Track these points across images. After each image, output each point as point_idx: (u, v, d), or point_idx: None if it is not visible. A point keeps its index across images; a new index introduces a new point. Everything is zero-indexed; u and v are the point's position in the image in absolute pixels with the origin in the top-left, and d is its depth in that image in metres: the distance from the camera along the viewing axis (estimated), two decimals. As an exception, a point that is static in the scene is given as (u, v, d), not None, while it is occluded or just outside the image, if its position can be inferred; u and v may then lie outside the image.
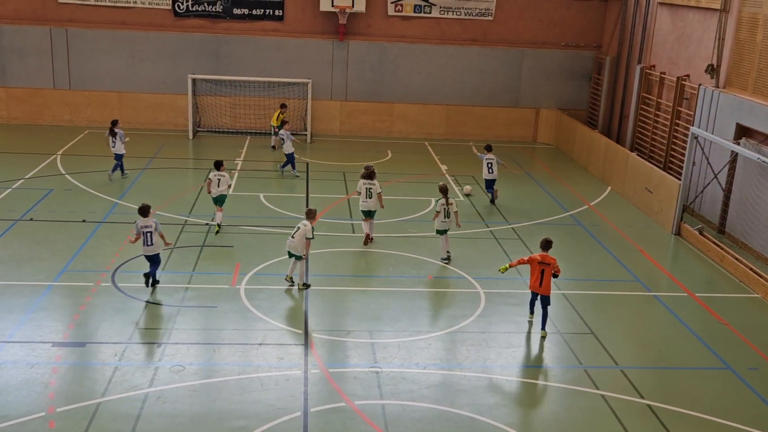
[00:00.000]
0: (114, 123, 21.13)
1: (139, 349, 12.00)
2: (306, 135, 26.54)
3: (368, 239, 16.99)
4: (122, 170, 21.14)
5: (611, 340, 13.12)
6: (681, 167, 19.74)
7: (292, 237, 14.21)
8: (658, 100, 23.01)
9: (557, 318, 13.81)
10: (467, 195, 20.80)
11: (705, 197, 19.59)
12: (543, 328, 13.11)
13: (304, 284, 14.52)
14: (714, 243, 17.54)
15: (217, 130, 27.17)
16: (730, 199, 18.68)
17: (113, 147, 20.78)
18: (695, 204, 19.79)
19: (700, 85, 20.12)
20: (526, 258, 13.36)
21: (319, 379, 11.39)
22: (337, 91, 27.58)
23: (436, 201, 16.24)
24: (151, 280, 14.11)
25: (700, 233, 18.10)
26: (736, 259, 16.59)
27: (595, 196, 21.89)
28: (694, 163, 19.19)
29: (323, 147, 25.87)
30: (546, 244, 13.21)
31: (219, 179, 17.23)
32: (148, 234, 13.98)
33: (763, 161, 15.85)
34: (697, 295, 15.31)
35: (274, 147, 25.17)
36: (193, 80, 26.29)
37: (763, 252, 17.15)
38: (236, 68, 26.87)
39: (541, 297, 13.13)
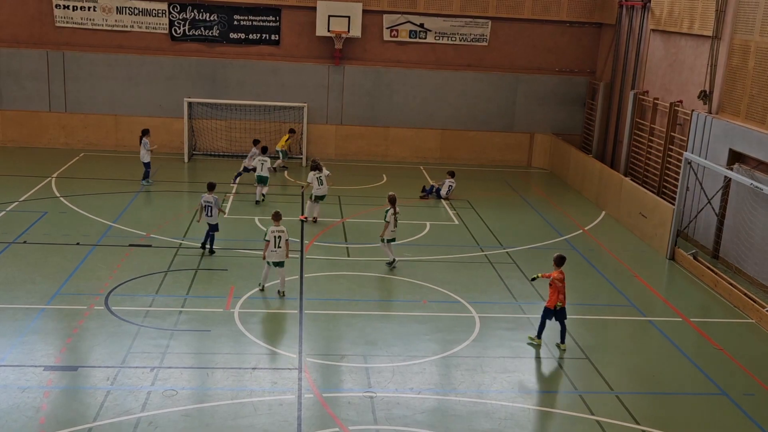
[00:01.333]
0: (143, 132, 23.02)
1: (131, 373, 11.91)
2: (302, 159, 26.59)
3: (315, 221, 19.86)
4: (145, 176, 22.79)
5: (606, 365, 13.08)
6: (675, 192, 19.83)
7: (279, 246, 14.86)
8: (652, 125, 23.16)
9: (551, 343, 13.77)
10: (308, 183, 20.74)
11: (699, 222, 19.65)
12: (564, 341, 13.54)
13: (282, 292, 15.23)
14: (708, 268, 17.57)
15: (212, 153, 27.21)
16: (723, 224, 18.74)
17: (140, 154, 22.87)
18: (689, 229, 19.84)
19: (693, 110, 20.27)
20: (561, 285, 13.35)
21: (313, 403, 11.31)
22: (333, 115, 27.70)
23: (386, 211, 16.84)
24: (209, 246, 17.22)
25: (695, 258, 18.13)
26: (731, 284, 16.61)
27: (590, 220, 21.94)
28: (687, 188, 19.27)
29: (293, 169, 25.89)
30: (562, 260, 13.59)
31: (262, 163, 21.39)
32: (209, 207, 17.04)
33: (756, 186, 15.93)
34: (691, 320, 15.30)
35: (275, 169, 25.32)
36: (190, 104, 26.38)
37: (757, 277, 17.17)
38: (232, 92, 26.98)
39: (561, 311, 13.37)
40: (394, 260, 17.02)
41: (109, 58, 26.52)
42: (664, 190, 21.89)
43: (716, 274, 17.22)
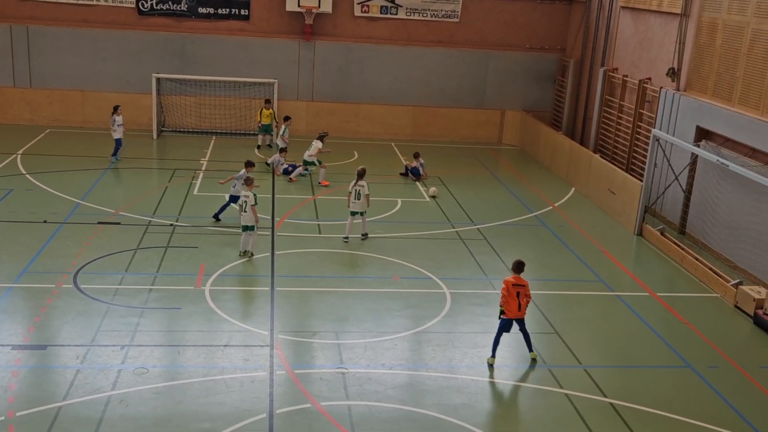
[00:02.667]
0: (114, 108, 22.56)
1: (101, 351, 11.83)
2: (272, 135, 26.38)
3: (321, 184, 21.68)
4: (114, 153, 22.43)
5: (575, 339, 13.27)
6: (643, 169, 20.05)
7: (245, 211, 15.72)
8: (621, 102, 23.34)
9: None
10: (433, 197, 20.95)
11: (666, 198, 19.91)
12: (532, 350, 12.38)
13: (246, 252, 15.91)
14: (675, 243, 17.84)
15: (182, 129, 26.92)
16: (690, 200, 19.01)
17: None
18: (657, 205, 20.10)
19: (661, 88, 20.45)
20: (503, 288, 12.06)
21: (285, 380, 11.34)
22: (304, 91, 27.51)
23: (351, 183, 17.43)
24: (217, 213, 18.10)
25: (662, 234, 18.39)
26: (696, 259, 16.89)
27: (560, 197, 22.13)
28: (655, 164, 19.49)
29: (289, 147, 25.72)
30: (518, 266, 12.21)
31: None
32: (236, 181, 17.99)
33: (723, 163, 16.16)
34: (658, 294, 15.55)
35: (259, 146, 25.35)
36: (158, 79, 26.02)
37: (723, 252, 17.49)
38: (201, 68, 26.65)
39: (517, 321, 12.17)
40: (363, 235, 17.38)
41: (74, 32, 26.01)
42: (632, 166, 22.12)
43: (682, 249, 17.50)
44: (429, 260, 16.39)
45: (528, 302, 12.22)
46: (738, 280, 15.60)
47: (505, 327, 12.20)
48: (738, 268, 16.78)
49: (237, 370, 11.50)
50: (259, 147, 25.52)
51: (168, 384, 11.05)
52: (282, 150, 22.75)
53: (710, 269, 16.32)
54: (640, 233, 19.11)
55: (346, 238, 17.20)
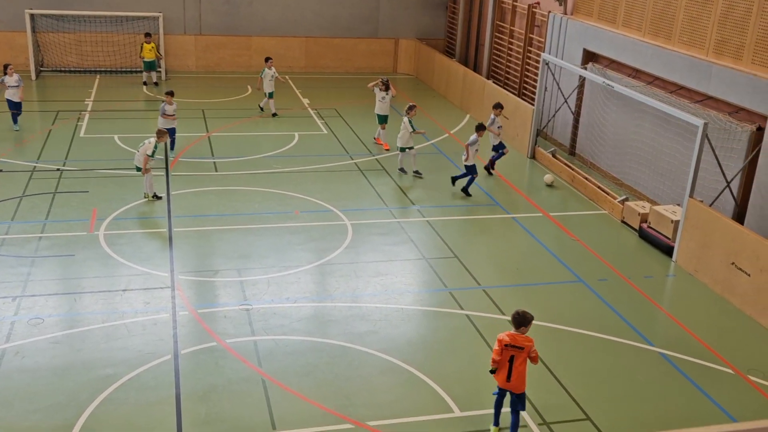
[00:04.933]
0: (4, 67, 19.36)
1: (-9, 304, 11.36)
2: (161, 72, 25.40)
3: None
4: (13, 119, 19.39)
5: (473, 262, 13.66)
6: (534, 93, 20.48)
7: (137, 151, 15.43)
8: (512, 27, 23.61)
9: (422, 244, 14.21)
10: (549, 185, 18.02)
11: (557, 121, 20.49)
12: None
13: (154, 195, 15.46)
14: (566, 164, 18.46)
15: (62, 69, 25.54)
16: (579, 122, 19.63)
17: None
18: (548, 128, 20.67)
19: (549, 12, 20.78)
20: (496, 346, 8.72)
21: (189, 320, 11.23)
22: (191, 24, 26.49)
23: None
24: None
25: (553, 156, 18.98)
26: (586, 178, 17.57)
27: (455, 124, 22.40)
28: (546, 88, 19.95)
29: (179, 84, 24.90)
30: (519, 320, 8.69)
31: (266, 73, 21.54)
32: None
33: (608, 85, 16.70)
34: (551, 214, 16.14)
35: (146, 83, 24.28)
36: (32, 15, 24.44)
37: (610, 171, 18.24)
38: (80, 2, 25.18)
39: (510, 395, 8.87)
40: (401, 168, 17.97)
41: (-67, -34, 24.01)
42: (524, 91, 22.57)
43: (573, 170, 18.14)
44: (329, 193, 16.39)
45: (535, 361, 8.74)
46: (624, 197, 16.35)
47: (499, 395, 9.02)
48: (624, 185, 17.59)
49: (138, 314, 11.29)
50: (145, 84, 24.57)
51: (66, 332, 10.75)
52: (479, 129, 17.14)
53: (599, 188, 17.02)
54: (533, 156, 19.65)
55: (416, 172, 17.82)
